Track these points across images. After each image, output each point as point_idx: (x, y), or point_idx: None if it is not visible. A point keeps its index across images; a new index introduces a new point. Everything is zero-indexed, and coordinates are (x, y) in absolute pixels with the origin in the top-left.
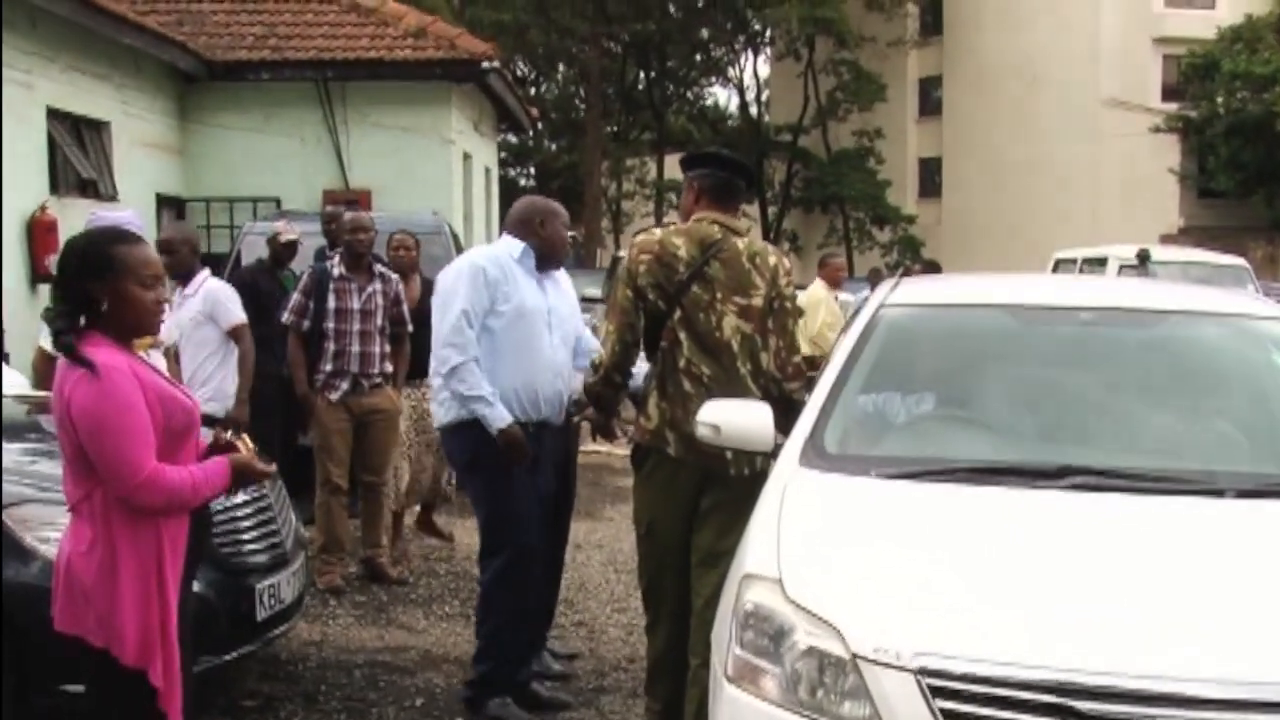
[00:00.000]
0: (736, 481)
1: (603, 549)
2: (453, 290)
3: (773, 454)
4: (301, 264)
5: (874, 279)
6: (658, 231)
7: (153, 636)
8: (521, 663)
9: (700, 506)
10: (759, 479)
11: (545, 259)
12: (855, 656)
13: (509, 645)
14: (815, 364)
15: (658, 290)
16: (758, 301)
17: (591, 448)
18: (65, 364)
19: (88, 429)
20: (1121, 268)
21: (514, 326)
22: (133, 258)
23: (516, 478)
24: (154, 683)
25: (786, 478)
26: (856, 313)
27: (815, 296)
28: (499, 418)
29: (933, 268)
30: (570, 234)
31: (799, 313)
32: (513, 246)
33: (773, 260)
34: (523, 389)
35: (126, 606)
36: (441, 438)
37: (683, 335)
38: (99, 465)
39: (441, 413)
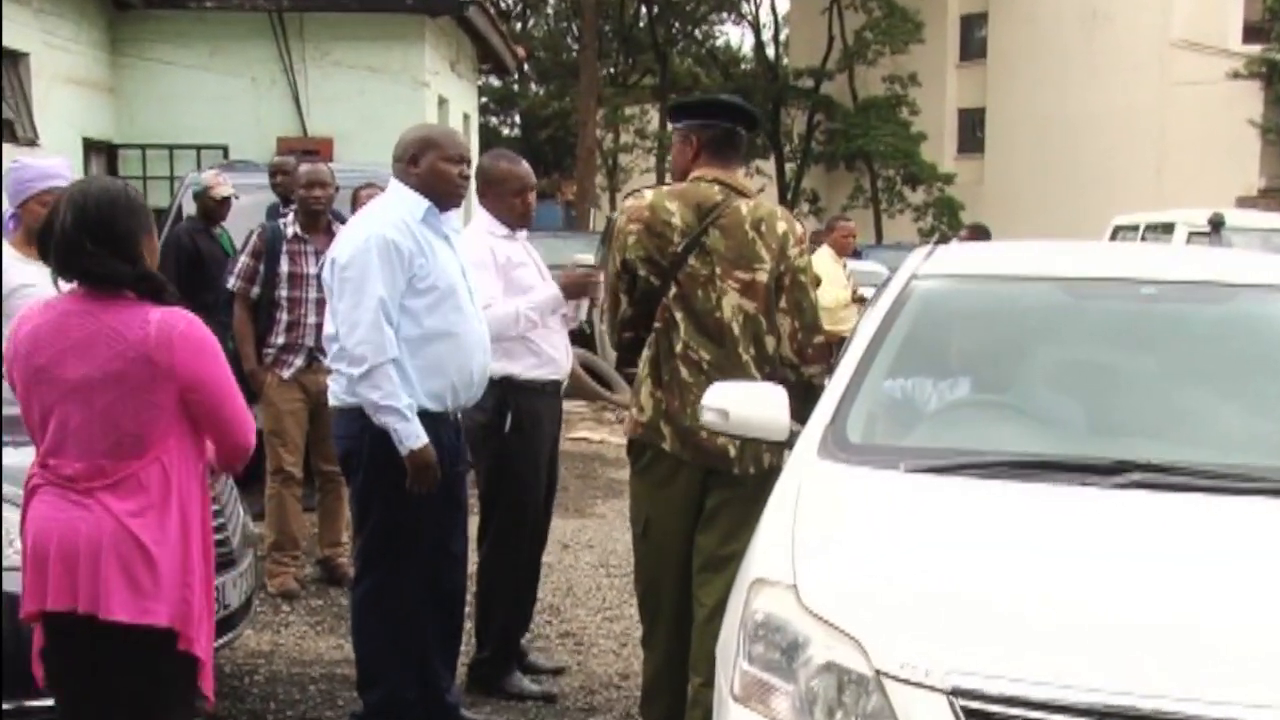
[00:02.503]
0: (744, 478)
1: (593, 549)
2: (362, 272)
3: (788, 444)
4: (250, 223)
5: (975, 235)
6: (648, 194)
7: (207, 609)
8: (428, 685)
9: (705, 505)
10: (770, 476)
11: (435, 205)
12: (879, 674)
13: (396, 671)
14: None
15: (650, 264)
16: (762, 276)
17: (580, 434)
18: (157, 314)
19: (211, 382)
20: (1191, 235)
21: (439, 307)
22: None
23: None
24: (203, 656)
25: (803, 470)
26: (884, 286)
27: (820, 269)
28: (414, 436)
29: (980, 233)
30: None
31: (817, 281)
32: (413, 204)
33: (781, 227)
34: (459, 379)
35: (197, 578)
36: (336, 421)
37: (679, 315)
38: (220, 420)
39: (339, 389)
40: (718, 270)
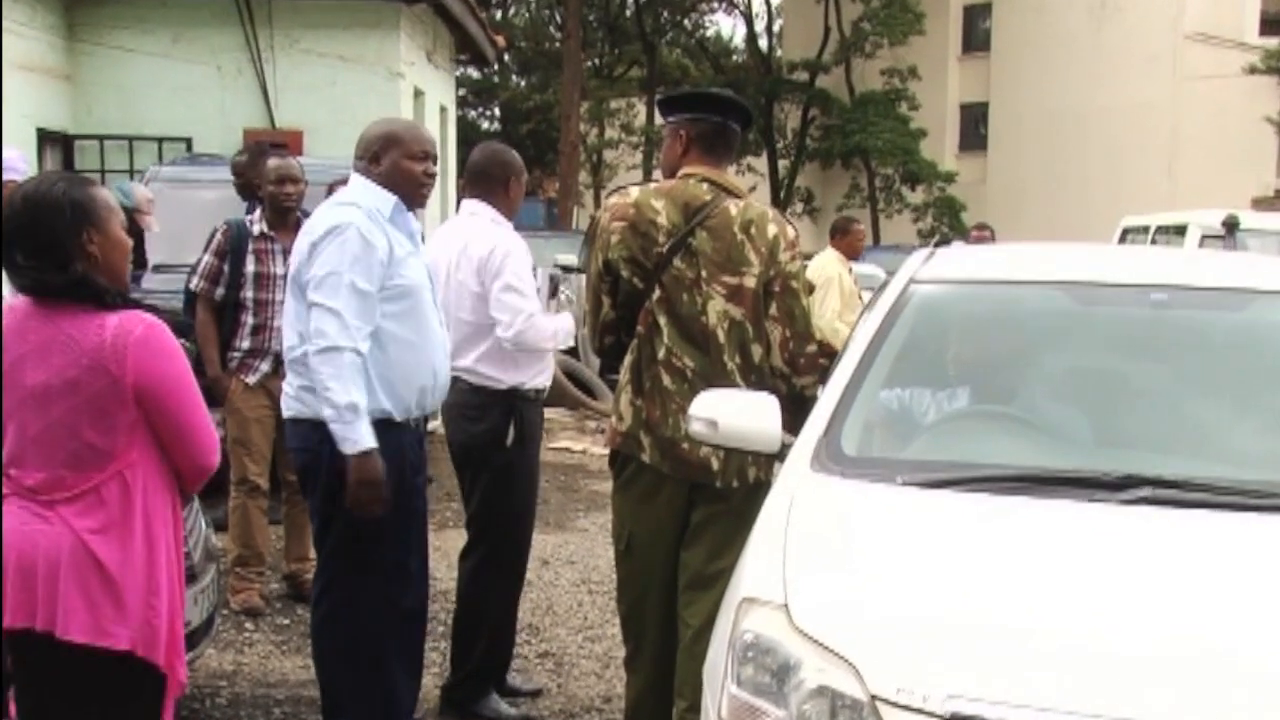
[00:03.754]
0: (731, 492)
1: (574, 565)
2: (338, 262)
3: (779, 456)
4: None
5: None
6: (634, 192)
7: (178, 630)
8: (390, 708)
9: (690, 520)
10: (758, 490)
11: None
12: (874, 698)
13: (365, 700)
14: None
15: (633, 265)
16: (750, 282)
17: (561, 444)
18: (114, 320)
19: (165, 391)
20: (1204, 238)
21: (404, 310)
22: (109, 196)
23: (401, 491)
24: (182, 679)
25: (795, 484)
26: (881, 290)
27: (827, 273)
28: (363, 439)
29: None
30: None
31: (810, 288)
32: (381, 201)
33: (772, 230)
34: (423, 385)
35: (163, 599)
36: (290, 431)
37: (663, 320)
38: (178, 434)
39: (291, 395)
40: (704, 273)
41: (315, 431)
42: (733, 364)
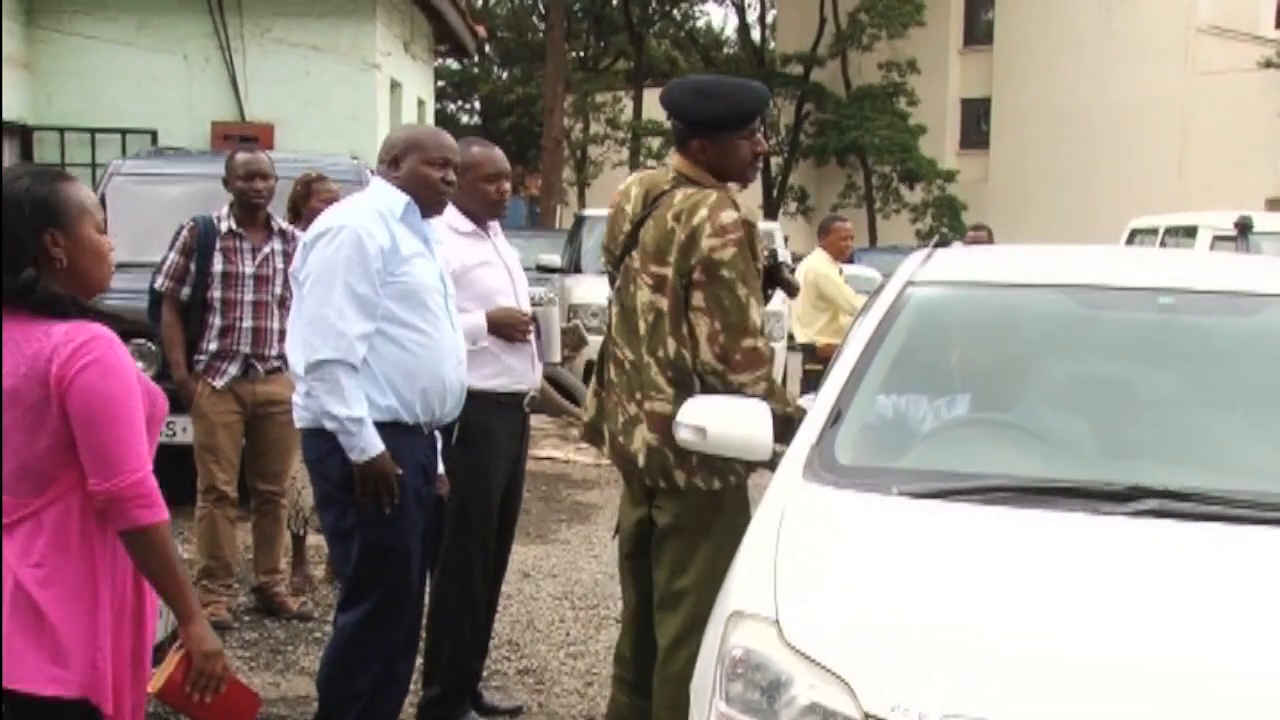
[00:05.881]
0: (690, 495)
1: (556, 579)
2: (331, 265)
3: (770, 465)
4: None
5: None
6: (632, 176)
7: (124, 675)
8: None
9: (656, 521)
10: (718, 498)
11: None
12: (868, 716)
13: (371, 713)
14: (818, 355)
15: (608, 253)
16: (669, 271)
17: (545, 453)
18: (63, 329)
19: (93, 410)
20: (1216, 239)
21: (411, 308)
22: (84, 195)
23: (408, 498)
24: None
25: (787, 493)
26: (878, 292)
27: (816, 272)
28: (370, 446)
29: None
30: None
31: (751, 276)
32: (393, 200)
33: (700, 215)
34: (431, 388)
35: (107, 640)
36: (305, 443)
37: (614, 310)
38: (98, 457)
39: (299, 403)
40: (639, 263)
41: (325, 441)
42: (651, 357)
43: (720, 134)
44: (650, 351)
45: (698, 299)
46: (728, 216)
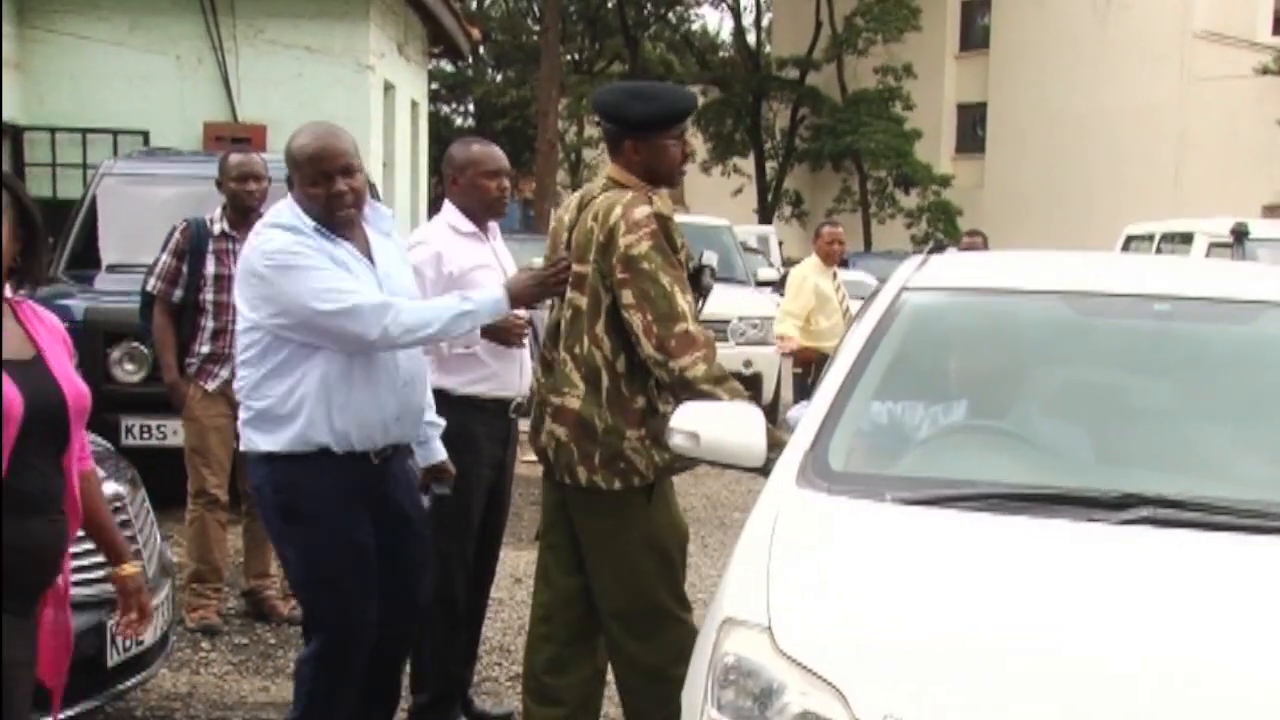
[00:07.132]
0: (591, 493)
1: None
2: (284, 269)
3: (764, 471)
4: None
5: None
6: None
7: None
8: None
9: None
10: (625, 498)
11: (329, 226)
12: None
13: None
14: (810, 358)
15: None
16: (588, 269)
17: (532, 458)
18: None
19: None
20: (1212, 246)
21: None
22: None
23: (341, 532)
24: None
25: (779, 500)
26: (872, 298)
27: (799, 276)
28: (494, 303)
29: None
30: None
31: (672, 265)
32: (296, 218)
33: (615, 214)
34: (370, 416)
35: None
36: (250, 468)
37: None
38: None
39: (257, 436)
40: (572, 265)
41: (292, 471)
42: (567, 354)
43: (652, 135)
44: (567, 349)
45: (627, 296)
46: (640, 212)
